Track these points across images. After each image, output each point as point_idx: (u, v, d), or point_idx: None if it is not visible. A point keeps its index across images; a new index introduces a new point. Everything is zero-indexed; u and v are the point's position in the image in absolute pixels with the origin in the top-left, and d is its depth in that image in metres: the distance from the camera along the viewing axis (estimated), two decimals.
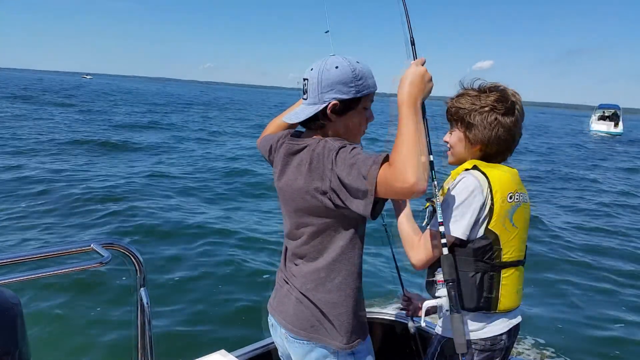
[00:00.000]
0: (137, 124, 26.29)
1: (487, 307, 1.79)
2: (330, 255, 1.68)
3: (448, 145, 1.97)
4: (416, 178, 1.34)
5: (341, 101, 1.62)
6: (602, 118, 51.75)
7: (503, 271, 1.78)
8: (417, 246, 1.78)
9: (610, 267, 7.90)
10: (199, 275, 6.43)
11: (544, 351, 4.99)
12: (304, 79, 1.69)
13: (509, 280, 1.80)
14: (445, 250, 1.59)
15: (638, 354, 5.25)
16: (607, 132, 48.78)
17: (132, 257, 1.98)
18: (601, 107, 53.64)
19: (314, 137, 1.68)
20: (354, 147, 1.54)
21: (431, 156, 1.64)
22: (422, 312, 1.72)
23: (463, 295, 1.78)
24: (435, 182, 1.67)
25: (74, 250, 1.91)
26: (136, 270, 2.01)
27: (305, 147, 1.65)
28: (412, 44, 1.68)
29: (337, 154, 1.52)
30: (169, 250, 7.25)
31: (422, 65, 1.57)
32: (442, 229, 1.63)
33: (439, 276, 1.65)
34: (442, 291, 1.65)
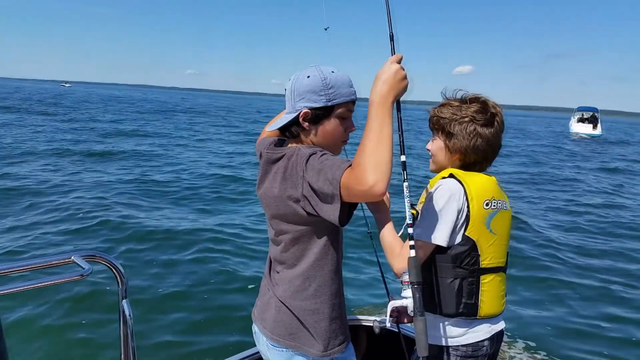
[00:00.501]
0: (123, 132, 25.98)
1: (468, 313, 1.81)
2: (306, 262, 1.70)
3: (430, 153, 2.01)
4: (374, 181, 1.33)
5: (312, 109, 1.64)
6: (582, 120, 52.61)
7: (483, 277, 1.81)
8: (398, 254, 1.80)
9: (599, 266, 8.00)
10: (186, 283, 6.34)
11: (535, 355, 5.02)
12: (285, 89, 1.73)
13: (489, 287, 1.82)
14: (412, 253, 1.55)
15: (633, 353, 5.31)
16: (586, 134, 49.56)
17: (113, 269, 1.95)
18: (580, 109, 54.52)
19: (292, 145, 1.71)
20: (324, 154, 1.57)
21: (403, 156, 1.59)
22: (387, 312, 1.73)
23: (443, 301, 1.81)
24: (406, 184, 1.62)
25: (54, 262, 1.88)
26: (118, 282, 1.97)
27: (283, 155, 1.67)
28: (391, 39, 1.61)
29: (307, 161, 1.55)
30: (156, 258, 7.15)
31: (399, 62, 1.51)
32: (410, 230, 1.61)
33: (406, 277, 1.64)
34: (407, 292, 1.62)
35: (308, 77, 1.65)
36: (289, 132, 1.73)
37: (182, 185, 12.94)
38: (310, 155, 1.55)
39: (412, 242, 1.62)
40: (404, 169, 1.60)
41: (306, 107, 1.64)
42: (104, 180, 12.54)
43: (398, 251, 1.81)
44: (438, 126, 1.94)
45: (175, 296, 5.95)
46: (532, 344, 5.23)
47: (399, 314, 2.19)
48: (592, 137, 48.02)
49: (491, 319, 1.87)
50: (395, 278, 1.79)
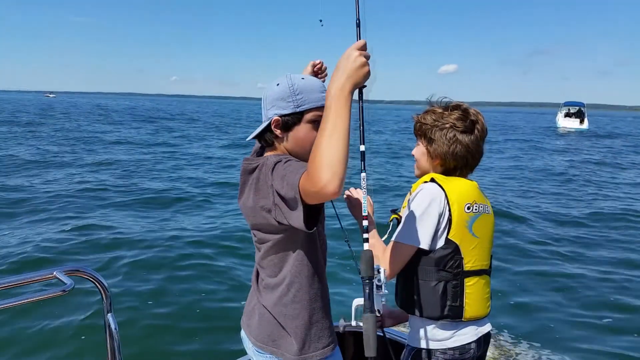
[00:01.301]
0: (124, 140, 25.84)
1: (453, 315, 1.83)
2: (285, 269, 1.72)
3: (415, 159, 2.06)
4: (325, 180, 1.27)
5: (282, 116, 1.66)
6: (568, 115, 53.07)
7: (467, 280, 1.83)
8: (379, 257, 1.85)
9: (599, 257, 8.09)
10: (174, 291, 6.30)
11: (541, 352, 5.02)
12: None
13: (473, 289, 1.84)
14: (365, 246, 1.47)
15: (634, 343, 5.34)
16: (573, 129, 49.98)
17: (96, 283, 1.94)
18: (566, 104, 55.02)
19: (268, 154, 1.72)
20: (288, 160, 1.57)
21: (362, 146, 1.48)
22: (352, 311, 1.72)
23: (427, 304, 1.84)
24: (364, 174, 1.48)
25: (37, 278, 1.87)
26: (102, 296, 1.96)
27: (257, 166, 1.68)
28: (358, 25, 1.52)
29: (273, 169, 1.56)
30: (146, 262, 7.14)
31: (361, 48, 1.41)
32: (365, 223, 1.52)
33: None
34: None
35: (277, 84, 1.67)
36: (264, 140, 1.75)
37: (177, 190, 12.94)
38: (275, 164, 1.56)
39: (366, 235, 1.52)
40: (363, 159, 1.48)
41: (276, 114, 1.66)
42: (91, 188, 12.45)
43: (380, 254, 1.86)
44: (421, 132, 1.99)
45: (157, 304, 5.88)
46: (537, 344, 5.21)
47: (382, 317, 2.21)
48: (580, 131, 48.47)
49: (477, 321, 1.89)
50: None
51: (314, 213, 1.49)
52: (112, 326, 1.97)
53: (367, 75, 1.40)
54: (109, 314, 1.98)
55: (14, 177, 14.05)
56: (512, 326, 5.52)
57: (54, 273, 1.85)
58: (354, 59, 1.37)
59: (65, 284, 1.78)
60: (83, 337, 4.99)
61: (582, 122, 50.52)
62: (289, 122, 1.66)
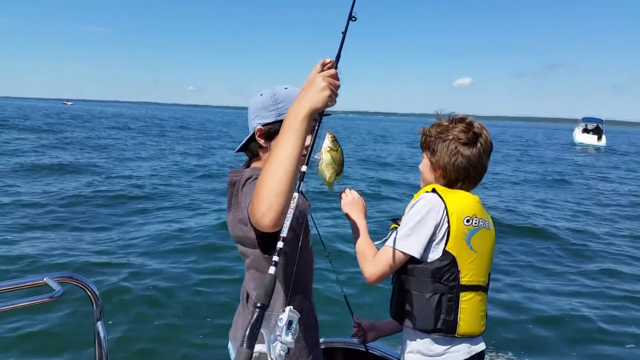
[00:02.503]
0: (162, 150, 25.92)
1: (446, 329, 1.80)
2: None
3: (421, 172, 2.06)
4: (262, 212, 1.21)
5: (264, 125, 1.68)
6: (586, 131, 52.48)
7: (462, 294, 1.81)
8: (369, 260, 1.86)
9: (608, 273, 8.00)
10: (165, 299, 6.21)
11: None
12: None
13: (468, 304, 1.81)
14: (271, 270, 1.19)
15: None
16: (591, 145, 49.38)
17: (87, 290, 1.93)
18: (584, 120, 54.43)
19: (253, 165, 1.76)
20: (257, 178, 1.51)
21: (304, 166, 1.32)
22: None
23: (421, 316, 1.81)
24: (296, 194, 1.27)
25: (28, 284, 1.87)
26: (92, 303, 1.95)
27: (238, 179, 1.68)
28: (343, 35, 1.43)
29: (243, 185, 1.57)
30: (150, 265, 7.12)
31: (325, 68, 1.34)
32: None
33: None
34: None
35: (261, 95, 1.71)
36: (249, 150, 1.78)
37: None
38: (246, 180, 1.57)
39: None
40: (301, 179, 1.31)
41: (259, 123, 1.69)
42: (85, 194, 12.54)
43: (370, 257, 1.86)
44: (425, 145, 2.00)
45: (148, 312, 5.82)
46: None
47: (364, 332, 2.19)
48: (597, 148, 47.83)
49: (471, 339, 1.86)
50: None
51: (272, 236, 1.36)
52: (102, 334, 1.95)
53: (327, 100, 1.29)
54: (98, 322, 1.97)
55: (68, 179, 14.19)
56: (509, 346, 5.39)
57: (45, 279, 1.86)
58: (315, 84, 1.29)
59: (54, 290, 1.77)
60: (73, 343, 4.91)
61: (599, 138, 49.89)
62: (271, 130, 1.67)
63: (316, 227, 2.03)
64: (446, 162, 1.89)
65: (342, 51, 1.42)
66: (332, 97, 1.30)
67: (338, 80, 1.34)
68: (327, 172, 1.69)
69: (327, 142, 1.69)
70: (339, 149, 1.71)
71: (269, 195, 1.21)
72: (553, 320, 6.12)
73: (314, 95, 1.28)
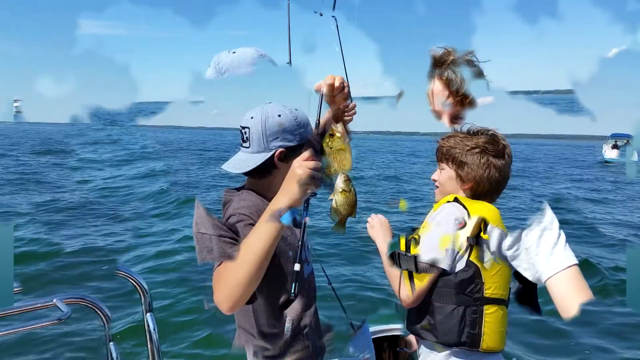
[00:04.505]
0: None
1: (470, 343, 1.76)
2: (241, 310, 1.66)
3: (436, 184, 2.02)
4: (218, 298, 1.31)
5: (287, 148, 1.66)
6: (615, 147, 51.60)
7: (486, 307, 1.77)
8: (401, 284, 1.82)
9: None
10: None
11: None
12: (243, 127, 1.69)
13: (492, 318, 1.78)
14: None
15: None
16: (621, 161, 48.48)
17: (98, 311, 1.91)
18: (613, 136, 53.53)
19: (247, 188, 1.74)
20: (238, 221, 1.56)
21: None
22: None
23: (445, 329, 1.77)
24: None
25: (38, 306, 1.86)
26: (103, 324, 1.92)
27: (229, 201, 1.69)
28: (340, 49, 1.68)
29: (226, 219, 1.59)
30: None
31: (307, 159, 1.43)
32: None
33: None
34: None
35: (279, 115, 1.65)
36: (257, 170, 1.67)
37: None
38: (229, 217, 1.59)
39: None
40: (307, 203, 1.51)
41: (282, 146, 1.65)
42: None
43: (400, 281, 1.83)
44: (448, 156, 1.94)
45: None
46: None
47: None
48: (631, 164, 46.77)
49: (492, 355, 1.82)
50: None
51: None
52: (114, 355, 1.91)
53: (305, 192, 1.39)
54: (111, 343, 1.94)
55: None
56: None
57: (54, 301, 1.84)
58: (296, 177, 1.39)
59: (62, 311, 1.75)
60: None
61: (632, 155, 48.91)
62: (291, 154, 1.63)
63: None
64: (480, 175, 1.85)
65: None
66: (311, 185, 1.40)
67: (317, 166, 1.43)
68: (339, 214, 1.62)
69: (339, 183, 1.62)
70: (352, 189, 1.62)
71: (232, 284, 1.29)
72: None
73: (297, 190, 1.39)
